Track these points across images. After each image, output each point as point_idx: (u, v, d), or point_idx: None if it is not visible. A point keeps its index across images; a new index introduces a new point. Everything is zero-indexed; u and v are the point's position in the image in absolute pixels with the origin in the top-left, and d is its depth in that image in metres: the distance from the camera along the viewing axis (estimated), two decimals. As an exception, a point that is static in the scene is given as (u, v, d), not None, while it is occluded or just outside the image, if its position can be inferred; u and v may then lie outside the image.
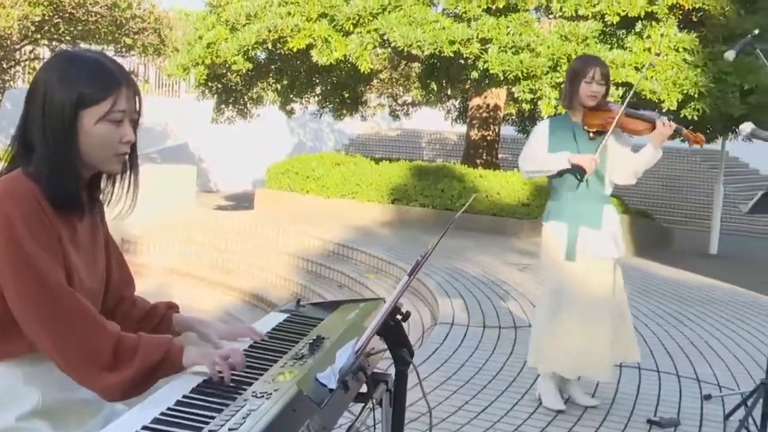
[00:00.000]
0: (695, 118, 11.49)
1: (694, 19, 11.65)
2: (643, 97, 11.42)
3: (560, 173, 4.41)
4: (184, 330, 2.11)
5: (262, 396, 1.71)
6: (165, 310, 2.14)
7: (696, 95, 11.22)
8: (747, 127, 3.72)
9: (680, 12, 11.38)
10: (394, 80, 19.59)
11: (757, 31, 4.62)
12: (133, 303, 2.12)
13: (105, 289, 2.01)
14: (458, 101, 19.30)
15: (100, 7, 15.19)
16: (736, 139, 13.42)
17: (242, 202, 17.96)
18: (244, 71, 13.20)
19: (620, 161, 4.45)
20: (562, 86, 11.14)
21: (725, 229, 17.98)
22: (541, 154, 4.40)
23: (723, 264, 13.23)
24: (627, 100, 4.46)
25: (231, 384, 1.79)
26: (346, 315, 2.40)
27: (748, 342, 6.52)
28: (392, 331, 1.99)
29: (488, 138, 16.13)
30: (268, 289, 10.24)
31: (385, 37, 11.72)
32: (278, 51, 13.19)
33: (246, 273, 10.86)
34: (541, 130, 4.48)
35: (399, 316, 2.00)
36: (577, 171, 4.38)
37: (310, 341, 2.10)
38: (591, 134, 4.41)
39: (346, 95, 17.03)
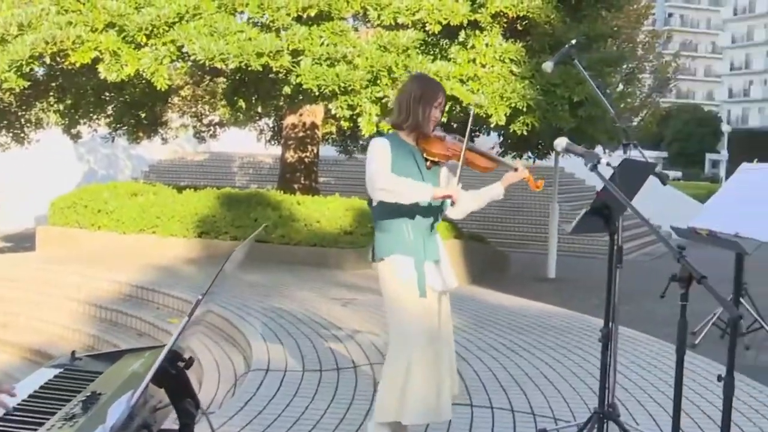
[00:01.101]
0: (525, 132, 12.08)
1: (520, 28, 12.27)
2: (469, 112, 11.89)
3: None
4: None
5: (22, 465, 1.66)
6: None
7: (524, 109, 11.79)
8: (561, 142, 3.97)
9: (505, 20, 11.95)
10: (197, 97, 19.43)
11: (574, 41, 4.92)
12: None
13: None
14: (271, 120, 19.39)
15: None
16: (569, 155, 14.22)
17: (22, 242, 17.22)
18: (18, 90, 12.70)
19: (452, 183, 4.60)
20: (385, 102, 11.55)
21: (563, 250, 18.92)
22: (391, 175, 4.34)
23: (560, 288, 13.91)
24: (468, 132, 4.45)
25: None
26: (129, 366, 2.37)
27: (583, 368, 6.89)
28: (173, 381, 1.98)
29: (306, 160, 16.28)
30: (55, 343, 9.86)
31: (184, 50, 11.62)
32: (59, 66, 12.80)
33: (27, 326, 10.41)
34: (383, 147, 4.38)
35: (181, 363, 2.00)
36: (436, 207, 4.48)
37: (84, 398, 2.07)
38: (428, 163, 4.47)
39: (143, 115, 16.74)
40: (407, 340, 4.38)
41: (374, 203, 4.47)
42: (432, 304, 4.43)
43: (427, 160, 4.46)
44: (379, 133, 13.13)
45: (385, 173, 4.31)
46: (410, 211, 4.42)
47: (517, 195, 23.02)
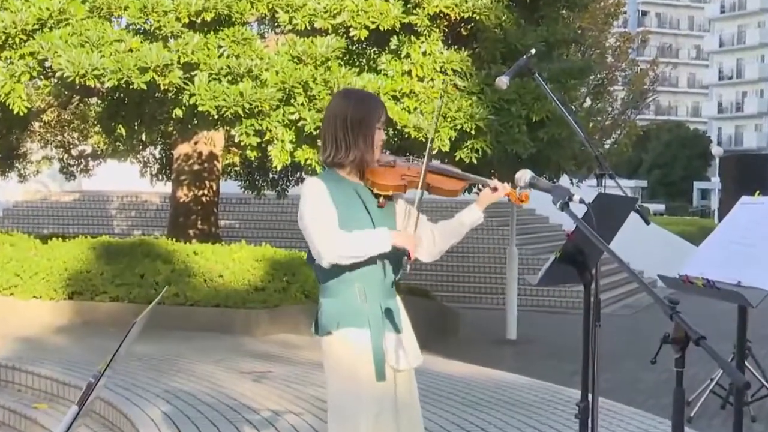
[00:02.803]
0: (474, 160, 12.14)
1: (464, 33, 12.45)
2: (406, 136, 11.98)
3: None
4: None
5: None
6: None
7: (473, 131, 11.90)
8: (524, 175, 4.00)
9: (446, 24, 12.12)
10: (64, 123, 19.27)
11: (533, 51, 5.00)
12: None
13: None
14: (159, 150, 19.27)
15: None
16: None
17: None
18: None
19: (422, 232, 4.47)
20: (302, 125, 11.57)
21: (526, 304, 19.10)
22: (344, 232, 4.20)
23: (523, 352, 14.03)
24: (428, 151, 4.41)
25: None
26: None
27: (557, 452, 6.95)
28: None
29: (203, 199, 16.22)
30: None
31: (47, 64, 11.55)
32: None
33: None
34: (320, 194, 4.24)
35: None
36: (396, 256, 4.34)
37: None
38: (381, 200, 4.35)
39: (-5, 147, 16.56)
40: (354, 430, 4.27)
41: (317, 260, 4.29)
42: (389, 387, 4.31)
43: (378, 196, 4.34)
44: (295, 165, 13.14)
45: (335, 236, 4.18)
46: (365, 266, 4.28)
47: (467, 237, 23.11)
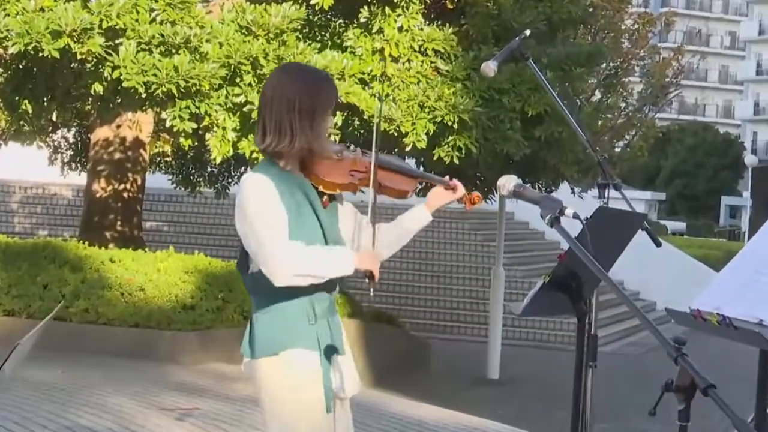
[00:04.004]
0: (456, 160, 12.15)
1: (450, 6, 12.48)
2: (374, 127, 11.98)
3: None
4: None
5: None
6: None
7: (455, 125, 11.90)
8: (507, 182, 3.97)
9: (428, -6, 12.15)
10: (-43, 96, 19.13)
11: (528, 32, 5.03)
12: None
13: None
14: (72, 133, 19.17)
15: None
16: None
17: None
18: None
19: (363, 236, 4.55)
20: (248, 110, 11.56)
21: (511, 337, 19.09)
22: (301, 246, 4.20)
23: (506, 394, 14.04)
24: (375, 144, 4.41)
25: None
26: None
27: None
28: None
29: (125, 195, 16.16)
30: None
31: (-62, 23, 11.51)
32: None
33: None
34: (269, 193, 4.23)
35: None
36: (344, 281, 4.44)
37: None
38: (324, 198, 4.41)
39: None
40: None
41: (251, 269, 4.34)
42: (331, 419, 4.34)
43: (322, 194, 4.38)
44: (239, 158, 13.09)
45: (292, 252, 4.18)
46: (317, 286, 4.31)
47: (444, 253, 23.13)
